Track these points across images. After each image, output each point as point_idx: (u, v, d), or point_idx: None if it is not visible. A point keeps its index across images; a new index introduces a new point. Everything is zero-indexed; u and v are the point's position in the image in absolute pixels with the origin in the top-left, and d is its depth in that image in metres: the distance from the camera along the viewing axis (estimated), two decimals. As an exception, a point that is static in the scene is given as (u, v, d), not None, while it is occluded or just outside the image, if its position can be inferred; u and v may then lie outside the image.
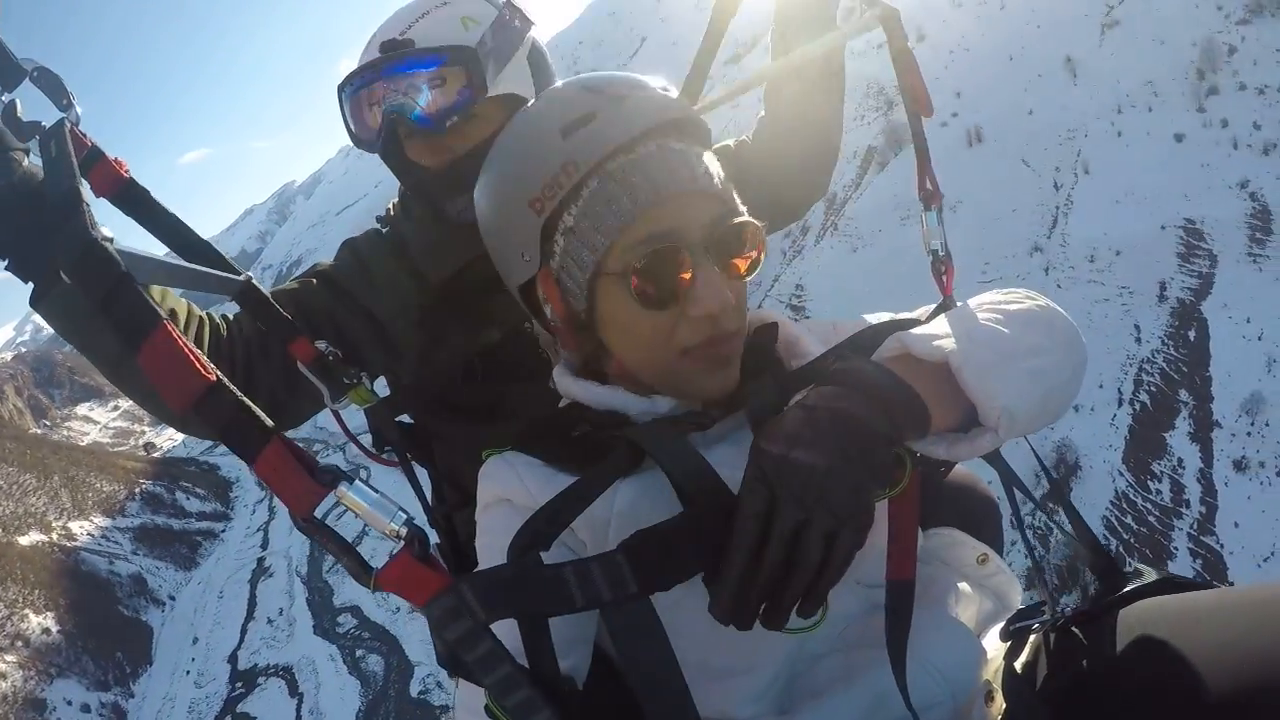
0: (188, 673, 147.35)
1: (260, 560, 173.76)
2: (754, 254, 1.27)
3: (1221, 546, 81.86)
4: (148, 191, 1.49)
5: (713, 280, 1.20)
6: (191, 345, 0.98)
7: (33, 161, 1.34)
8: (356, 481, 1.01)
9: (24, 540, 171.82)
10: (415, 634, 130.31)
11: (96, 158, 1.41)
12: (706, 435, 1.26)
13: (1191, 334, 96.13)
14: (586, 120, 1.23)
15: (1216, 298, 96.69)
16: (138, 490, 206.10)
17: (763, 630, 1.05)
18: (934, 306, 1.35)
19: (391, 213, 2.03)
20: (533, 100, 1.42)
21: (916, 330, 1.17)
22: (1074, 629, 1.13)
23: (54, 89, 1.37)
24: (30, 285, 1.43)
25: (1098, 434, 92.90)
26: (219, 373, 0.98)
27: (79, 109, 1.37)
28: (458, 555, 1.84)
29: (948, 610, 1.29)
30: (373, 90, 1.79)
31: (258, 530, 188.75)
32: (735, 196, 1.29)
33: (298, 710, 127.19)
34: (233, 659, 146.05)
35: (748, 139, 2.11)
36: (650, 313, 1.22)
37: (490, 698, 1.01)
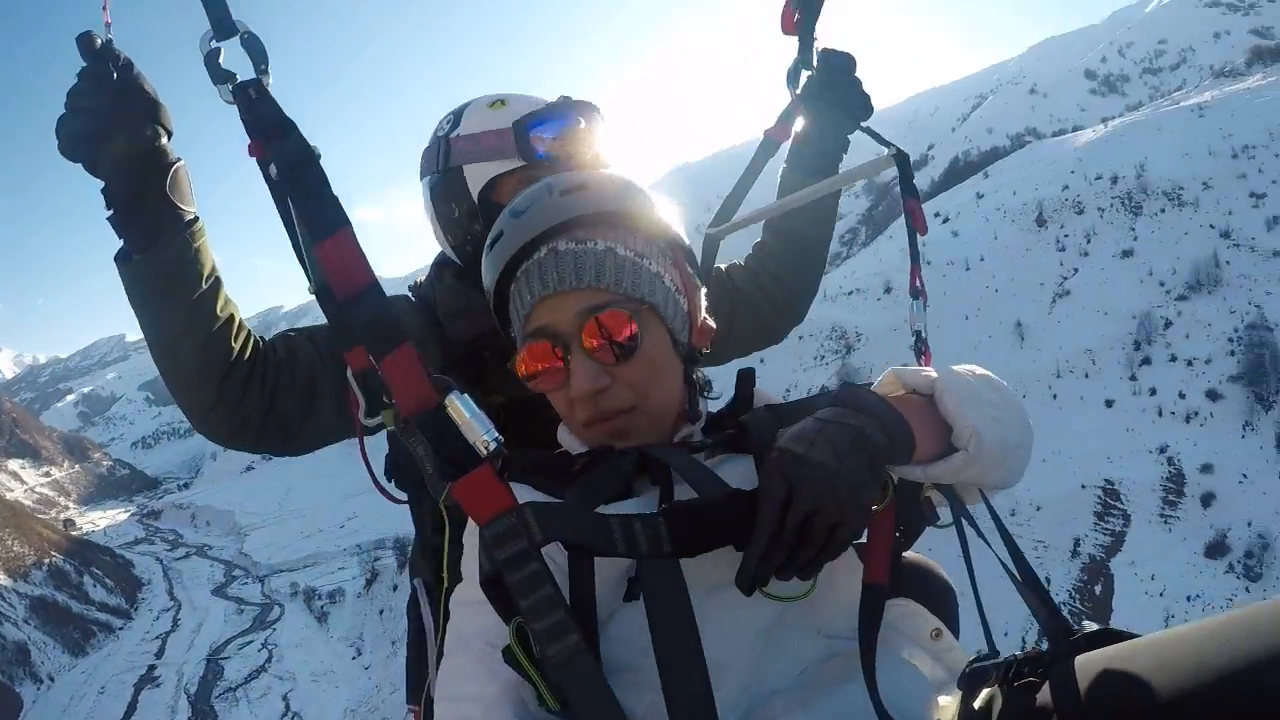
0: None
1: (151, 668, 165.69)
2: (631, 335, 1.37)
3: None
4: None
5: (581, 367, 1.36)
6: (363, 252, 1.20)
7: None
8: (465, 395, 1.15)
9: None
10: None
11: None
12: (706, 461, 1.38)
13: (1098, 589, 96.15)
14: (498, 238, 1.43)
15: (1125, 555, 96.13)
16: (47, 561, 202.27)
17: (728, 652, 1.23)
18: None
19: (419, 283, 2.27)
20: None
21: (908, 368, 1.37)
22: (1027, 676, 1.16)
23: (257, 54, 1.44)
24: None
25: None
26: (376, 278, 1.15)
27: (271, 77, 1.45)
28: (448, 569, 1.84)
29: (900, 654, 1.34)
30: (562, 124, 2.09)
31: (156, 638, 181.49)
32: (639, 276, 1.40)
33: None
34: None
35: (740, 263, 2.51)
36: (551, 393, 1.43)
37: (515, 635, 1.11)
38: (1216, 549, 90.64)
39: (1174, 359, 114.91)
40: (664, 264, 1.45)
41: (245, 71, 1.45)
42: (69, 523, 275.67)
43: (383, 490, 1.91)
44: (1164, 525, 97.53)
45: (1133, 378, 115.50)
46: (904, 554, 1.66)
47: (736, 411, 1.54)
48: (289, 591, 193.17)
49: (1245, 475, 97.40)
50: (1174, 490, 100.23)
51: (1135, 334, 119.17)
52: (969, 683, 1.21)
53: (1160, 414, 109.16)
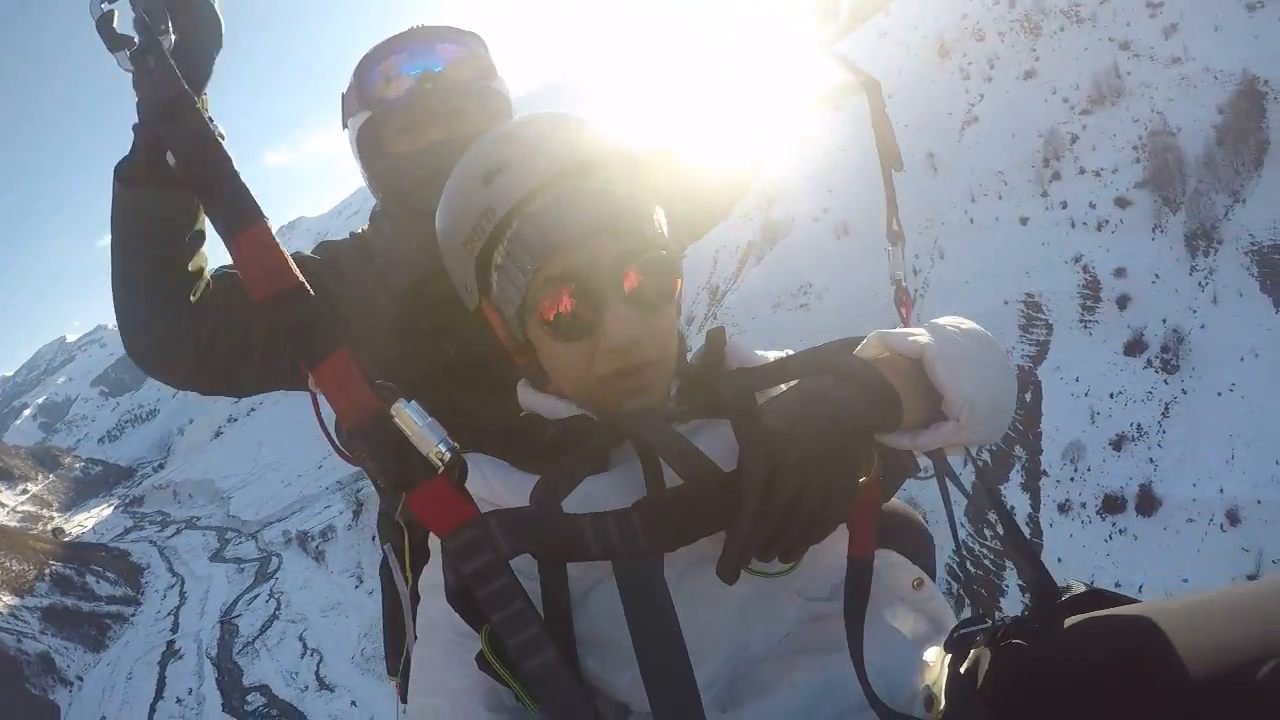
0: None
1: (170, 643, 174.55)
2: (666, 285, 1.31)
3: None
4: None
5: (620, 315, 1.26)
6: (284, 249, 1.06)
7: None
8: (412, 402, 1.04)
9: None
10: (320, 711, 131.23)
11: None
12: (680, 427, 1.29)
13: (1028, 396, 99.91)
14: (502, 168, 1.28)
15: (1051, 361, 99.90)
16: (47, 571, 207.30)
17: (709, 625, 1.20)
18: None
19: (360, 231, 2.13)
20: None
21: (893, 330, 1.29)
22: (1013, 639, 1.16)
23: (155, 12, 1.31)
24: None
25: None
26: (303, 278, 1.05)
27: (173, 37, 1.35)
28: (414, 553, 1.80)
29: (885, 619, 1.31)
30: (404, 59, 1.94)
31: (168, 614, 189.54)
32: (658, 223, 1.33)
33: None
34: None
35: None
36: (567, 344, 1.30)
37: (488, 642, 1.05)
38: (1134, 347, 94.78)
39: (1082, 171, 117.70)
40: (658, 210, 1.36)
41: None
42: (58, 531, 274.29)
43: (341, 452, 1.59)
44: (1084, 330, 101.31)
45: (1044, 194, 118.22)
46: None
47: (707, 373, 1.43)
48: (282, 540, 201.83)
49: (1158, 275, 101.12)
50: (1091, 296, 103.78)
51: (1043, 151, 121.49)
52: (956, 646, 1.20)
53: (1073, 225, 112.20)
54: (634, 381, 1.30)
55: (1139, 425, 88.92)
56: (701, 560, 1.12)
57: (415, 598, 1.64)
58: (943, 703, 1.20)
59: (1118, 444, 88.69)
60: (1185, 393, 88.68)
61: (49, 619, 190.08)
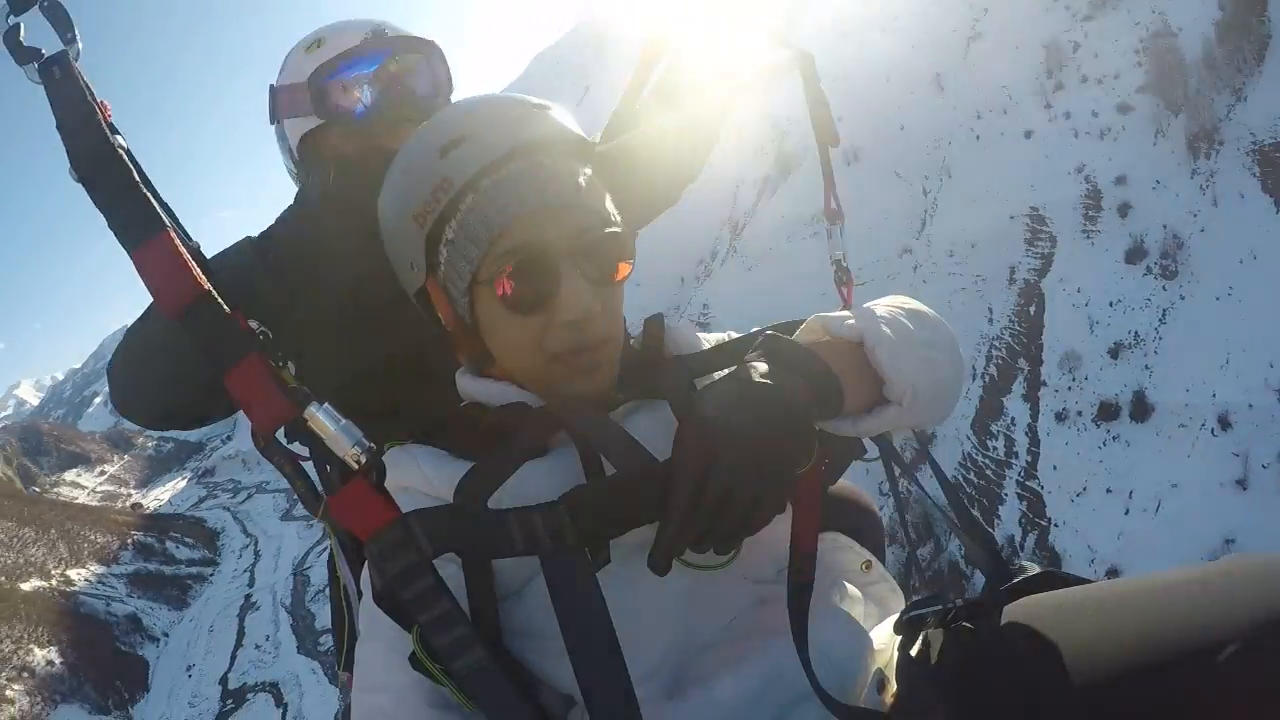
0: (190, 703, 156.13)
1: (247, 596, 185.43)
2: (621, 262, 1.32)
3: (1042, 488, 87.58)
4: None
5: (577, 289, 1.25)
6: (190, 257, 1.02)
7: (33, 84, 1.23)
8: (325, 405, 1.01)
9: (26, 586, 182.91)
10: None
11: (90, 94, 1.34)
12: (614, 414, 1.31)
13: (1032, 309, 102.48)
14: (459, 141, 1.29)
15: (1055, 273, 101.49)
16: (130, 541, 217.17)
17: (651, 613, 1.18)
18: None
19: (290, 222, 1.97)
20: None
21: (833, 313, 1.26)
22: (964, 622, 1.16)
23: (61, 21, 1.27)
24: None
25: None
26: (211, 286, 1.02)
27: (80, 44, 1.29)
28: (356, 544, 1.75)
29: (833, 603, 1.29)
30: (364, 71, 1.89)
31: (244, 571, 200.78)
32: (609, 207, 1.34)
33: (283, 717, 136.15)
34: (223, 681, 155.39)
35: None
36: (519, 319, 1.28)
37: (419, 642, 1.03)
38: (1135, 254, 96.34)
39: (1085, 80, 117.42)
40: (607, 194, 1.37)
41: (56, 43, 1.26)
42: (137, 505, 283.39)
43: (286, 450, 1.40)
44: (1086, 240, 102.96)
45: (1048, 106, 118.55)
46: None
47: (646, 359, 1.43)
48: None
49: (1158, 181, 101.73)
50: (1092, 205, 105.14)
51: (1046, 62, 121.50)
52: (906, 629, 1.20)
53: (1076, 135, 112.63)
54: (586, 358, 1.29)
55: (1136, 333, 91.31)
56: (641, 547, 1.08)
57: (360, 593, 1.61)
58: (894, 686, 1.19)
59: (1115, 352, 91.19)
60: (1183, 299, 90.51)
61: (134, 583, 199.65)
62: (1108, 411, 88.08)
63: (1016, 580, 1.18)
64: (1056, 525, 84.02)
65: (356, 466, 1.01)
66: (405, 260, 1.37)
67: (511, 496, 1.15)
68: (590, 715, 0.98)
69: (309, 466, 1.01)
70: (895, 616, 1.27)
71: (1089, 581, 1.14)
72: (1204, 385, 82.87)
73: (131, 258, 1.04)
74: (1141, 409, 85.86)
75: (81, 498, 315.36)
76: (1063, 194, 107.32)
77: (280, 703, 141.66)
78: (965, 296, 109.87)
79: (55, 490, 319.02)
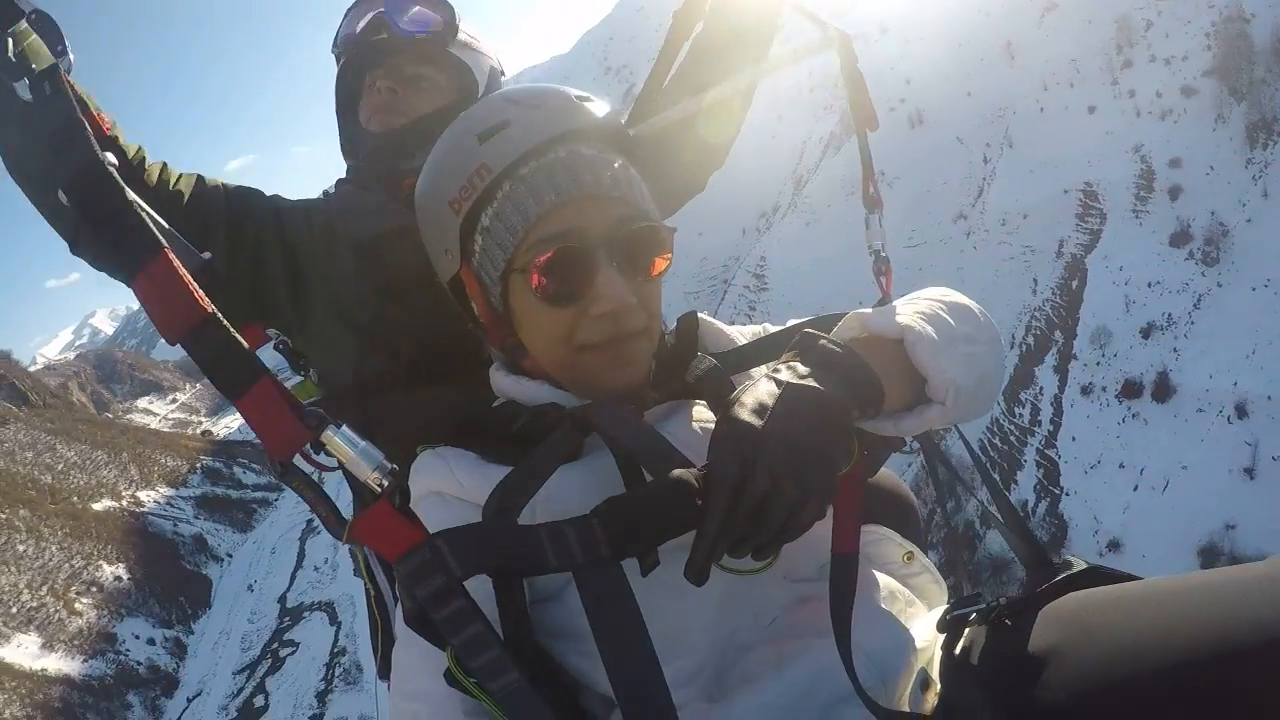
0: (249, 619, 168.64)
1: (309, 521, 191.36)
2: (659, 256, 1.29)
3: (1059, 457, 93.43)
4: (125, 154, 1.53)
5: (613, 280, 1.22)
6: (189, 276, 0.97)
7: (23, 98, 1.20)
8: (344, 427, 0.98)
9: (97, 506, 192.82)
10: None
11: (83, 108, 1.35)
12: (649, 414, 1.28)
13: (1074, 284, 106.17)
14: (501, 127, 1.26)
15: (1100, 250, 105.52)
16: (199, 465, 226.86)
17: (691, 615, 1.15)
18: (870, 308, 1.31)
19: (324, 193, 2.08)
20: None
21: (872, 310, 1.22)
22: (1008, 620, 1.13)
23: (50, 34, 1.24)
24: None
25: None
26: (214, 307, 0.96)
27: (72, 57, 1.30)
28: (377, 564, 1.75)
29: (875, 601, 1.27)
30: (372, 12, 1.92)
31: None
32: (648, 199, 1.32)
33: (336, 635, 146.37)
34: (282, 599, 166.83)
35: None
36: (553, 309, 1.25)
37: (454, 661, 0.99)
38: (1180, 238, 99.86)
39: (1153, 59, 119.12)
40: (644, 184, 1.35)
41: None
42: (206, 432, 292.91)
43: (305, 476, 1.32)
44: (1135, 220, 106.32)
45: (1114, 82, 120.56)
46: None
47: (681, 356, 1.38)
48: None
49: (1212, 167, 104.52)
50: (1144, 185, 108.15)
51: (1117, 38, 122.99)
52: (950, 627, 1.18)
53: (1138, 114, 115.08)
54: (620, 352, 1.26)
55: (1170, 315, 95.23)
56: (681, 549, 1.03)
57: (396, 598, 1.61)
58: (938, 685, 1.17)
59: (1146, 332, 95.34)
60: (1220, 286, 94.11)
61: (201, 506, 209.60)
62: (1131, 389, 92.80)
63: (1061, 577, 1.15)
64: (1068, 494, 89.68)
65: (380, 490, 0.99)
66: (440, 246, 1.36)
67: (545, 503, 1.14)
68: (624, 716, 0.97)
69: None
70: (938, 612, 1.26)
71: (1135, 578, 1.11)
72: (1228, 373, 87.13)
73: (131, 284, 1.00)
74: (1164, 390, 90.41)
75: (153, 424, 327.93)
76: (1118, 172, 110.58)
77: (334, 620, 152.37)
78: (1013, 266, 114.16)
79: (128, 417, 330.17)
